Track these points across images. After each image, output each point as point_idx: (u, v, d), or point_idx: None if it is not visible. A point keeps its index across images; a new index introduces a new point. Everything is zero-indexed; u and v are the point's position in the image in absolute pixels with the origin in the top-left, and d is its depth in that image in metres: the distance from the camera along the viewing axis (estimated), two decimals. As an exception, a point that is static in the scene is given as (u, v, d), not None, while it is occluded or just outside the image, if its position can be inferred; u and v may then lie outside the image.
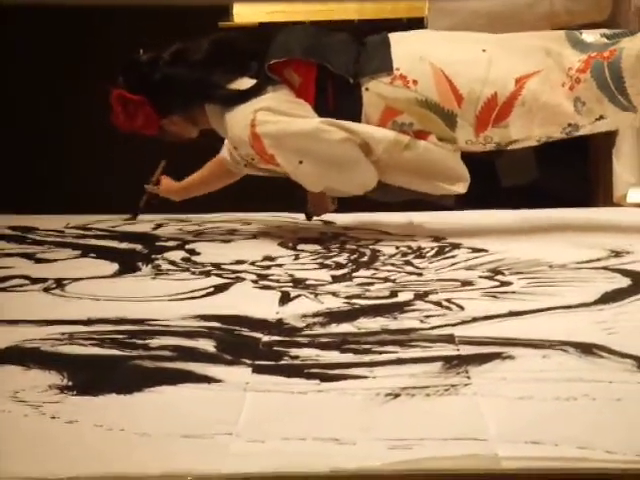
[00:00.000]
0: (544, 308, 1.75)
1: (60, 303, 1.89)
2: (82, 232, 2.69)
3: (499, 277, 2.01)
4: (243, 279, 2.07)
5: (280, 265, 2.21)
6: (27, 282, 2.06)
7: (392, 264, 2.19)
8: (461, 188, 2.42)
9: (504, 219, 2.72)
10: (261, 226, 2.73)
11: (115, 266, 2.23)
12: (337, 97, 2.42)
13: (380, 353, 1.50)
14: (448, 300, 1.82)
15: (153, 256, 2.34)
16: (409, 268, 2.14)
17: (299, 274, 2.11)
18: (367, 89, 2.40)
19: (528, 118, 2.37)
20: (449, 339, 1.56)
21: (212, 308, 1.80)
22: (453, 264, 2.17)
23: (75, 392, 1.35)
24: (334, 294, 1.91)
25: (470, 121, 2.38)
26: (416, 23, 3.16)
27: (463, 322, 1.67)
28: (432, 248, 2.35)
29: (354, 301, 1.84)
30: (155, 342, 1.57)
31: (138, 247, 2.47)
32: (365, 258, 2.27)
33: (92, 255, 2.38)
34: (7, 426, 1.24)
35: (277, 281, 2.04)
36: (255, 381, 1.39)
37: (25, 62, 3.75)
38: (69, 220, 2.84)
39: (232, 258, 2.27)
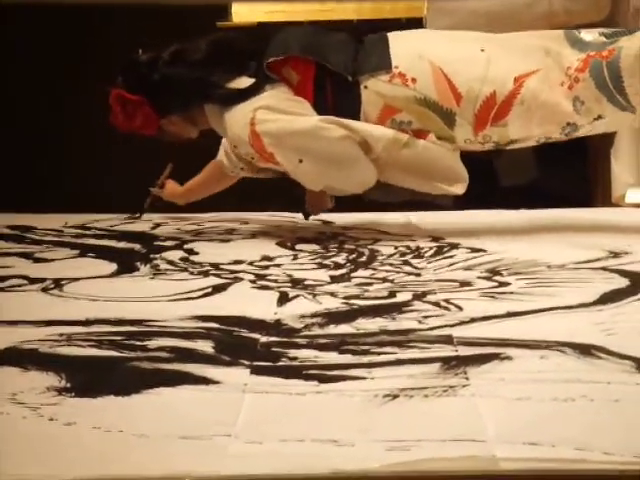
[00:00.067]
0: (542, 309, 1.75)
1: (58, 303, 1.88)
2: (80, 231, 2.69)
3: (497, 277, 2.01)
4: (241, 279, 2.07)
5: (278, 265, 2.21)
6: (25, 282, 2.06)
7: (390, 264, 2.19)
8: (459, 189, 2.42)
9: (503, 219, 2.71)
10: (260, 226, 2.73)
11: (114, 266, 2.22)
12: (336, 95, 2.42)
13: (378, 354, 1.50)
14: (446, 300, 1.82)
15: (151, 256, 2.34)
16: (407, 268, 2.14)
17: (297, 274, 2.11)
18: (366, 87, 2.40)
19: (527, 117, 2.37)
20: (447, 340, 1.56)
21: (210, 309, 1.80)
22: (451, 264, 2.17)
23: (73, 394, 1.35)
24: (332, 294, 1.91)
25: (469, 120, 2.38)
26: (415, 23, 3.16)
27: (461, 323, 1.67)
28: (430, 248, 2.35)
29: (352, 301, 1.84)
30: (153, 343, 1.57)
31: (136, 247, 2.46)
32: (364, 258, 2.27)
33: (90, 255, 2.38)
34: (5, 428, 1.24)
35: (275, 281, 2.04)
36: (253, 382, 1.39)
37: (24, 61, 3.74)
38: (67, 219, 2.83)
39: (230, 258, 2.27)
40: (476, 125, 2.39)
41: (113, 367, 1.47)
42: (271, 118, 2.37)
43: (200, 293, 1.95)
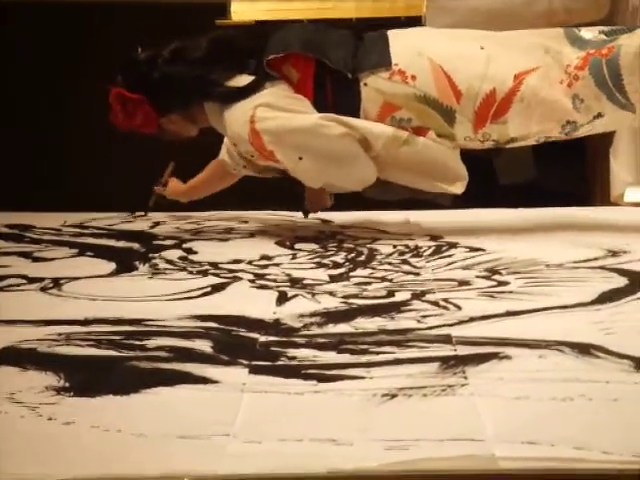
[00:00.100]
0: (541, 308, 1.75)
1: (57, 303, 1.88)
2: (79, 230, 2.69)
3: (496, 277, 2.01)
4: (240, 279, 2.07)
5: (277, 264, 2.21)
6: (24, 281, 2.06)
7: (389, 263, 2.19)
8: (459, 188, 2.42)
9: (501, 218, 2.71)
10: (259, 224, 2.73)
11: (112, 265, 2.22)
12: (335, 92, 2.41)
13: (377, 353, 1.51)
14: (445, 300, 1.83)
15: (150, 255, 2.34)
16: (406, 267, 2.14)
17: (296, 273, 2.10)
18: (365, 84, 2.40)
19: (527, 115, 2.37)
20: (446, 339, 1.56)
21: (209, 308, 1.80)
22: (450, 263, 2.17)
23: (72, 393, 1.35)
24: (331, 294, 1.91)
25: (469, 117, 2.38)
26: (414, 22, 3.15)
27: (460, 322, 1.68)
28: (429, 247, 2.35)
29: (351, 301, 1.84)
30: (152, 343, 1.57)
31: (135, 246, 2.46)
32: (362, 257, 2.27)
33: (89, 254, 2.37)
34: (4, 427, 1.24)
35: (274, 281, 2.04)
36: (252, 382, 1.39)
37: (23, 60, 3.74)
38: (66, 218, 2.83)
39: (229, 257, 2.27)
40: (476, 122, 2.38)
41: (112, 367, 1.47)
42: (271, 116, 2.37)
43: (199, 293, 1.95)
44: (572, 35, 2.41)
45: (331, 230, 2.65)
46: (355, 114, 2.39)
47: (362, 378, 1.40)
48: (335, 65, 2.40)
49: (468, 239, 2.41)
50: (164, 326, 1.68)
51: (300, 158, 2.39)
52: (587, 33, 2.41)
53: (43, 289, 1.99)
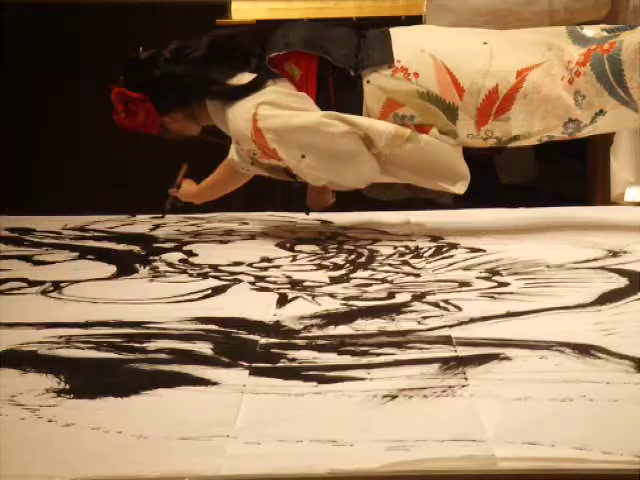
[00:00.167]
0: (541, 309, 1.75)
1: (57, 306, 1.88)
2: (80, 233, 2.69)
3: (497, 278, 2.01)
4: (241, 281, 2.07)
5: (278, 266, 2.21)
6: (25, 285, 2.06)
7: (390, 264, 2.19)
8: (461, 188, 2.41)
9: (502, 218, 2.71)
10: (259, 226, 2.73)
11: (113, 268, 2.22)
12: (338, 90, 2.41)
13: (378, 355, 1.51)
14: (446, 301, 1.82)
15: (151, 258, 2.34)
16: (407, 268, 2.14)
17: (297, 275, 2.10)
18: (368, 82, 2.39)
19: (529, 111, 2.36)
20: (446, 340, 1.56)
21: (210, 310, 1.80)
22: (451, 264, 2.17)
23: (72, 395, 1.35)
24: (332, 295, 1.91)
25: (471, 114, 2.37)
26: (414, 21, 3.16)
27: (461, 323, 1.68)
28: (430, 248, 2.35)
29: (352, 303, 1.84)
30: (152, 345, 1.57)
31: (136, 249, 2.46)
32: (363, 259, 2.27)
33: (90, 257, 2.38)
34: (4, 430, 1.24)
35: (275, 283, 2.04)
36: (252, 383, 1.39)
37: (23, 61, 3.74)
38: (67, 221, 2.83)
39: (230, 259, 2.27)
40: (478, 119, 2.38)
41: (112, 369, 1.47)
42: (273, 114, 2.36)
43: (199, 295, 1.95)
44: (574, 33, 2.41)
45: (331, 231, 2.65)
46: (358, 111, 2.39)
47: (362, 379, 1.40)
48: (338, 62, 2.40)
49: (469, 239, 2.41)
50: (165, 328, 1.68)
51: (303, 156, 2.38)
52: (589, 31, 2.41)
53: (44, 292, 1.99)
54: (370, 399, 1.32)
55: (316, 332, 1.65)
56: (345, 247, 2.41)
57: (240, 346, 1.58)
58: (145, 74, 2.46)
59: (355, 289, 1.96)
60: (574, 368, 1.42)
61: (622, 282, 1.93)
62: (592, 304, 1.77)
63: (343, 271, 2.14)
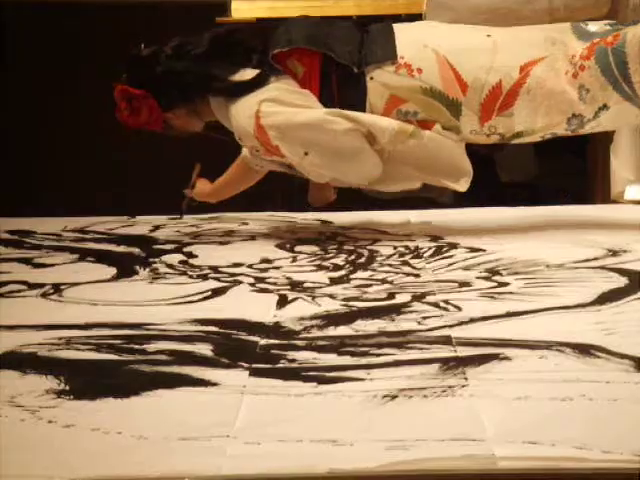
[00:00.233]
0: (541, 309, 1.75)
1: (57, 308, 1.89)
2: (80, 235, 2.69)
3: (497, 277, 2.01)
4: (241, 282, 2.07)
5: (278, 267, 2.21)
6: (25, 287, 2.06)
7: (390, 265, 2.19)
8: (463, 185, 2.41)
9: (502, 217, 2.71)
10: (259, 227, 2.73)
11: (113, 270, 2.22)
12: (341, 86, 2.40)
13: (377, 355, 1.51)
14: (445, 301, 1.82)
15: (151, 259, 2.34)
16: (406, 269, 2.14)
17: (297, 276, 2.10)
18: (372, 78, 2.39)
19: (533, 107, 2.35)
20: (446, 340, 1.56)
21: (210, 312, 1.80)
22: (450, 264, 2.17)
23: (72, 396, 1.35)
24: (332, 296, 1.91)
25: (475, 110, 2.37)
26: (414, 19, 3.16)
27: (460, 323, 1.68)
28: (430, 248, 2.35)
29: (352, 303, 1.84)
30: (152, 346, 1.57)
31: (136, 250, 2.46)
32: (363, 259, 2.27)
33: (90, 259, 2.38)
34: (4, 430, 1.25)
35: (275, 284, 2.04)
36: (252, 384, 1.39)
37: (23, 61, 3.74)
38: (67, 223, 2.83)
39: (229, 261, 2.27)
40: (482, 115, 2.37)
41: (112, 370, 1.47)
42: (276, 111, 2.36)
43: (199, 297, 1.95)
44: (579, 29, 2.41)
45: (331, 231, 2.65)
46: (361, 108, 2.38)
47: (362, 380, 1.40)
48: (341, 59, 2.39)
49: (469, 239, 2.41)
50: (164, 330, 1.68)
51: (306, 153, 2.38)
52: (593, 27, 2.41)
53: (44, 295, 1.99)
54: (370, 399, 1.32)
55: (316, 333, 1.65)
56: (345, 247, 2.41)
57: (240, 347, 1.58)
58: (147, 71, 2.46)
59: (355, 290, 1.97)
60: (574, 368, 1.42)
61: (622, 281, 1.93)
62: (592, 304, 1.77)
63: (343, 272, 2.14)
